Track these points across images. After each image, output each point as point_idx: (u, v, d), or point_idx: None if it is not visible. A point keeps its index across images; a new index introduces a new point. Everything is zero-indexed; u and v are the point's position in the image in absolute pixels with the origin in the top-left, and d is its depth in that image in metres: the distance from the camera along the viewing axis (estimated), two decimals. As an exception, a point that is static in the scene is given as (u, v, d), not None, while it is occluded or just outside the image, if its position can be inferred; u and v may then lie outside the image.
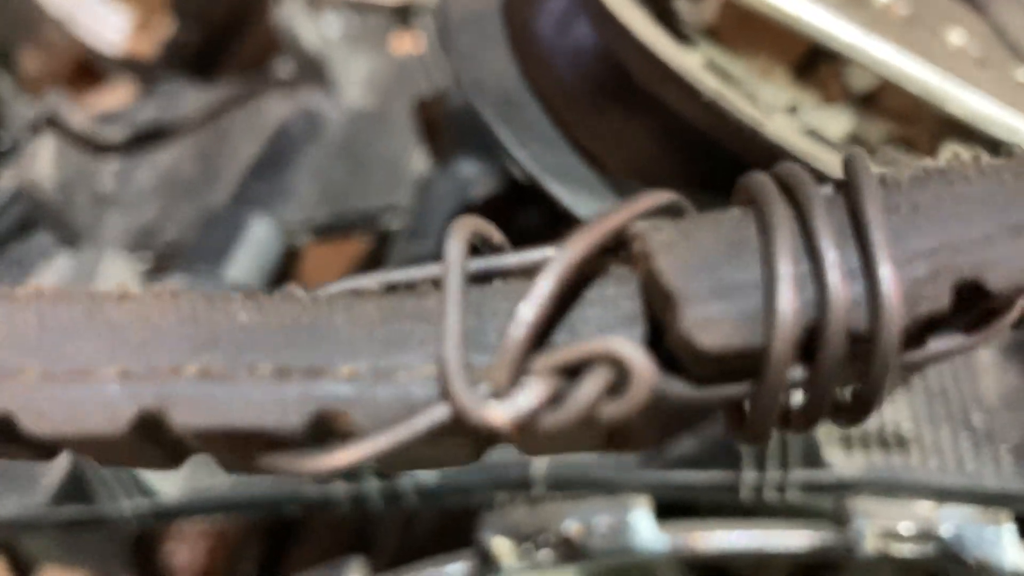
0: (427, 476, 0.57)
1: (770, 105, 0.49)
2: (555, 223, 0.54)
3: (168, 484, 0.61)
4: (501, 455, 0.57)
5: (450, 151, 0.76)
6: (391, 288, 0.20)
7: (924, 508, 0.52)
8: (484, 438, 0.19)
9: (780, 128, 0.44)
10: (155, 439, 0.20)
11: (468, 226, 0.19)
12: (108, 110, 1.08)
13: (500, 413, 0.17)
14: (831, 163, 0.44)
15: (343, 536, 0.74)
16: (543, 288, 0.18)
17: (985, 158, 0.21)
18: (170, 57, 1.36)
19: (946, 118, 0.51)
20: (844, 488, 0.53)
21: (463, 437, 0.19)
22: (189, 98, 1.01)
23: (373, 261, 0.86)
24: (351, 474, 0.57)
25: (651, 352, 0.18)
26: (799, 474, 0.53)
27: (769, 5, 0.46)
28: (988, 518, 0.52)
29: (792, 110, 0.51)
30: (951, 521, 0.52)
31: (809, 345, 0.18)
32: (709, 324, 0.18)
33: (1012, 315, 0.19)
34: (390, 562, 0.63)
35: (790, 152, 0.43)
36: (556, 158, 0.47)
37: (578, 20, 0.49)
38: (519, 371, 0.18)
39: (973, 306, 0.19)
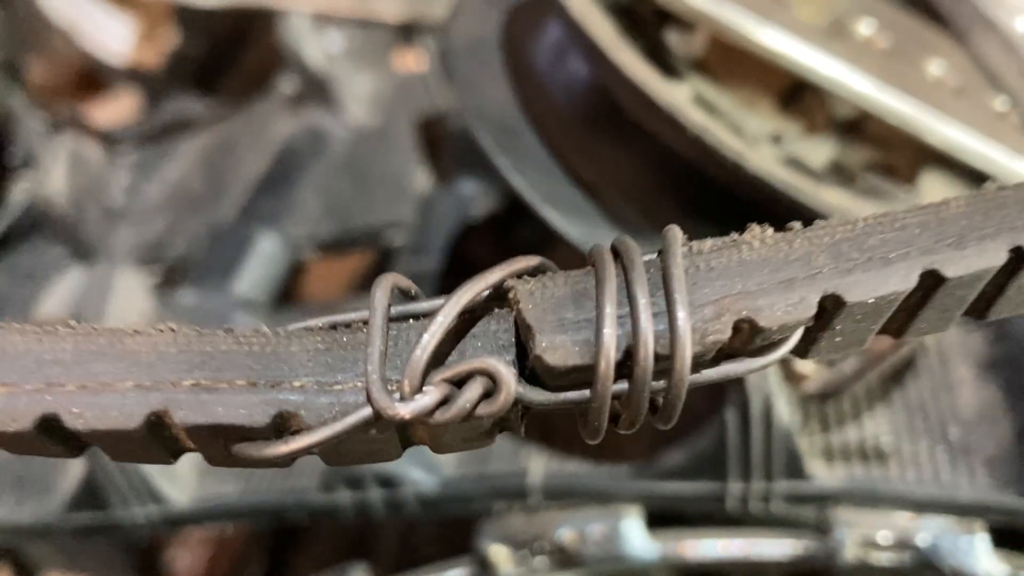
0: (428, 486, 0.60)
1: (755, 135, 0.52)
2: (550, 239, 0.56)
3: (178, 492, 0.64)
4: (499, 467, 0.60)
5: (451, 170, 0.79)
6: (333, 326, 0.27)
7: (902, 518, 0.55)
8: (401, 434, 0.26)
9: (763, 159, 0.46)
10: (160, 435, 0.26)
11: (390, 280, 0.26)
12: (114, 121, 1.11)
13: (405, 410, 0.24)
14: (810, 192, 0.47)
15: (345, 543, 0.76)
16: (438, 324, 0.24)
17: (769, 231, 0.26)
18: (174, 69, 1.39)
19: (925, 147, 0.53)
20: (826, 499, 0.55)
21: (384, 432, 0.25)
22: (196, 113, 1.03)
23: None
24: (356, 483, 0.60)
25: (519, 371, 0.25)
26: (783, 485, 0.55)
27: (754, 42, 0.48)
28: (963, 528, 0.54)
29: (776, 139, 0.54)
30: (928, 531, 0.54)
31: (628, 365, 0.24)
32: (555, 349, 0.24)
33: (788, 345, 0.26)
34: (391, 568, 0.65)
35: (771, 182, 0.45)
36: (550, 184, 0.50)
37: (571, 54, 0.51)
38: (421, 382, 0.24)
39: (754, 339, 0.25)
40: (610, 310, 0.24)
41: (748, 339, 0.25)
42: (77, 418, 0.25)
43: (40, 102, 1.20)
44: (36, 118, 1.06)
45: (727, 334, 0.24)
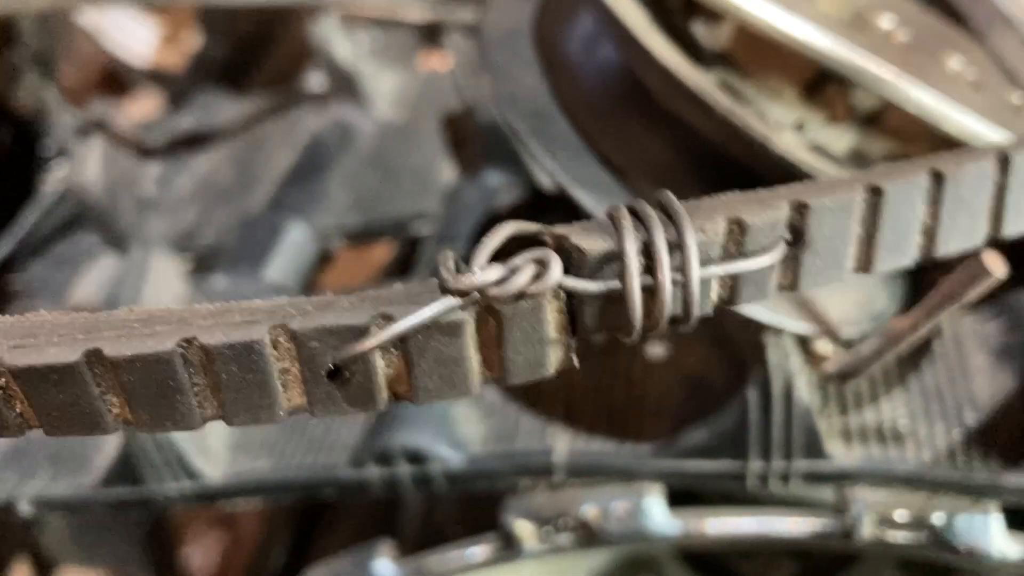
0: (456, 463, 0.61)
1: (779, 123, 0.53)
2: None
3: (212, 468, 0.65)
4: (524, 445, 0.61)
5: (477, 162, 0.81)
6: None
7: (918, 498, 0.56)
8: (475, 349, 0.29)
9: (787, 143, 0.48)
10: (277, 348, 0.29)
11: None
12: (138, 122, 1.13)
13: (469, 281, 0.27)
14: (832, 175, 0.49)
15: (369, 524, 0.78)
16: (498, 232, 0.29)
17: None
18: (197, 70, 1.41)
19: (942, 137, 0.55)
20: (844, 478, 0.57)
21: (457, 337, 0.28)
22: (224, 109, 1.06)
23: (401, 265, 0.90)
24: (385, 459, 0.61)
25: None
26: (802, 464, 0.57)
27: (780, 31, 0.50)
28: (978, 508, 0.55)
29: (799, 127, 0.56)
30: (943, 510, 0.55)
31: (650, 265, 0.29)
32: (589, 236, 0.29)
33: (775, 253, 0.31)
34: (415, 547, 0.67)
35: (796, 165, 0.47)
36: (582, 167, 0.51)
37: (603, 41, 0.53)
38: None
39: (744, 242, 0.30)
40: (627, 223, 0.29)
41: (739, 241, 0.29)
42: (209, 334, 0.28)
43: (71, 101, 1.22)
44: (69, 113, 1.09)
45: (721, 230, 0.29)
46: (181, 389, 0.29)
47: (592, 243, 0.29)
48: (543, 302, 0.28)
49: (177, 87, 1.35)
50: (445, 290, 0.28)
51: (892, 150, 0.58)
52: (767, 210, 0.29)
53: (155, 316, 0.30)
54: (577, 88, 0.54)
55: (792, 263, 0.31)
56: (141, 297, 0.71)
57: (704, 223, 0.29)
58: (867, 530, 0.56)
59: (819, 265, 0.31)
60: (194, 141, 1.01)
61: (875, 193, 0.31)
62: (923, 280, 0.65)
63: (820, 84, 0.57)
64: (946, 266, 0.67)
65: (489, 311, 0.28)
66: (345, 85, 0.96)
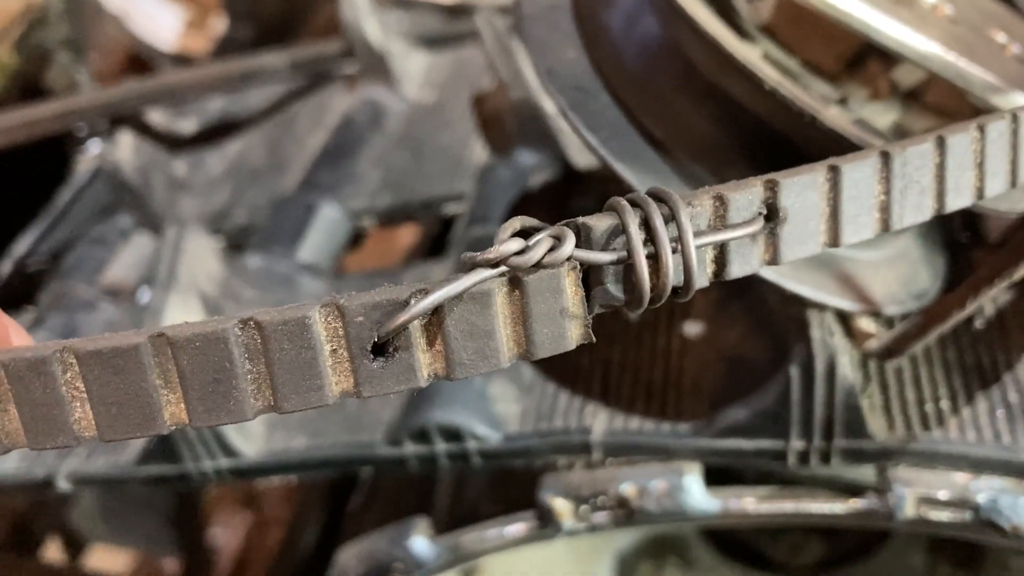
0: (492, 441, 0.61)
1: (823, 97, 0.53)
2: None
3: (249, 446, 0.66)
4: (561, 424, 0.61)
5: (510, 141, 0.80)
6: None
7: (961, 478, 0.56)
8: (503, 320, 0.31)
9: (835, 117, 0.48)
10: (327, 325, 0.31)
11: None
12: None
13: (493, 253, 0.30)
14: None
15: (403, 502, 0.78)
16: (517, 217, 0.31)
17: None
18: (222, 54, 1.42)
19: (986, 111, 0.54)
20: (886, 457, 0.56)
21: (487, 307, 0.31)
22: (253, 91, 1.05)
23: (430, 245, 0.90)
24: (421, 437, 0.61)
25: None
26: (843, 443, 0.56)
27: (824, 3, 0.50)
28: (1022, 488, 0.55)
29: (842, 102, 0.55)
30: (987, 490, 0.55)
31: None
32: (598, 219, 0.32)
33: (755, 225, 0.33)
34: (449, 525, 0.67)
35: (846, 138, 0.46)
36: (624, 143, 0.51)
37: (645, 14, 0.53)
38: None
39: (727, 214, 0.33)
40: (626, 205, 0.32)
41: (723, 216, 0.33)
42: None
43: (100, 84, 1.23)
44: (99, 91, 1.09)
45: (707, 205, 0.32)
46: (236, 374, 0.29)
47: (599, 221, 0.32)
48: (560, 272, 0.31)
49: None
50: (475, 265, 0.30)
51: (933, 126, 0.58)
52: (744, 188, 0.33)
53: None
54: (618, 62, 0.53)
55: (772, 237, 0.34)
56: (176, 276, 0.71)
57: (691, 200, 0.32)
58: (909, 510, 0.55)
59: (795, 238, 0.34)
60: (225, 123, 1.01)
61: (834, 171, 0.35)
62: (963, 259, 0.65)
63: (862, 59, 0.57)
64: (988, 245, 0.67)
65: (514, 283, 0.31)
66: (375, 65, 0.95)
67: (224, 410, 0.30)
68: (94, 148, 0.94)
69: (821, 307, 0.53)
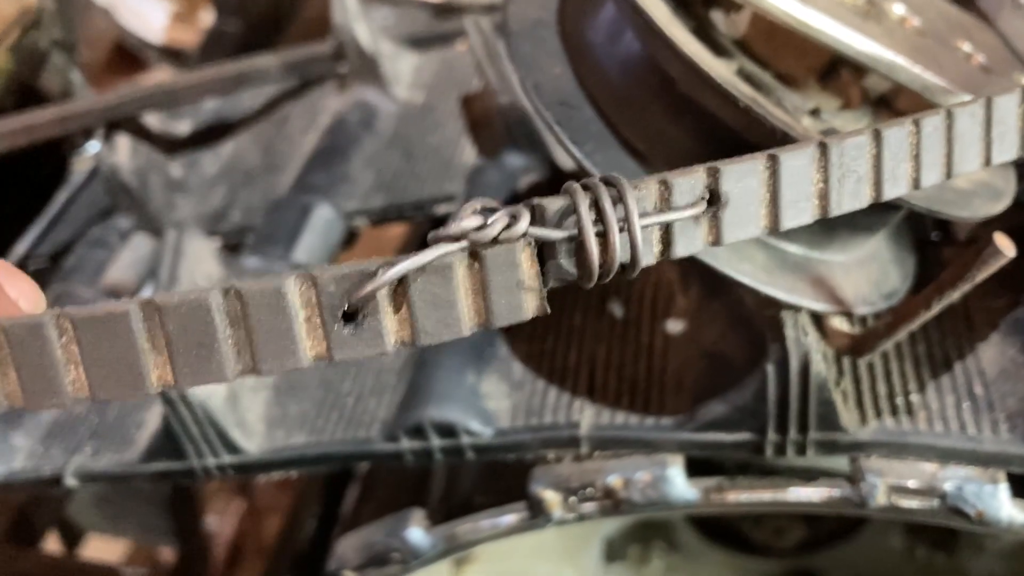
0: (484, 436, 0.64)
1: (796, 108, 0.55)
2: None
3: (250, 442, 0.68)
4: (551, 419, 0.64)
5: (498, 143, 0.83)
6: None
7: (929, 467, 0.59)
8: (464, 292, 0.34)
9: (807, 130, 0.50)
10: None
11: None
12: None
13: (454, 228, 0.32)
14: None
15: (398, 494, 0.81)
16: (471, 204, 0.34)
17: None
18: (210, 47, 1.43)
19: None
20: (858, 449, 0.59)
21: (446, 279, 0.33)
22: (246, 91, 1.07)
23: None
24: (417, 433, 0.64)
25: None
26: (818, 436, 0.59)
27: (796, 20, 0.52)
28: (987, 477, 0.58)
29: (815, 112, 0.58)
30: (954, 479, 0.58)
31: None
32: (551, 200, 0.34)
33: (697, 208, 0.36)
34: (443, 516, 0.70)
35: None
36: (607, 155, 0.54)
37: (626, 32, 0.55)
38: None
39: (672, 197, 0.36)
40: (578, 187, 0.34)
41: (667, 199, 0.36)
42: None
43: (86, 77, 1.24)
44: (94, 94, 1.11)
45: (653, 188, 0.35)
46: (218, 339, 0.32)
47: (552, 201, 0.34)
48: (516, 247, 0.33)
49: (189, 64, 1.37)
50: (438, 240, 0.33)
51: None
52: (687, 173, 0.36)
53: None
54: (602, 77, 0.55)
55: (714, 220, 0.37)
56: (177, 277, 0.73)
57: (638, 184, 0.35)
58: (880, 498, 0.58)
59: (736, 221, 0.37)
60: (219, 124, 1.03)
61: (773, 160, 0.37)
62: (934, 257, 0.68)
63: (833, 70, 0.59)
64: (957, 243, 0.70)
65: (473, 256, 0.33)
66: (366, 67, 0.97)
67: (207, 372, 0.33)
68: (91, 149, 0.96)
69: (795, 308, 0.56)
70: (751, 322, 0.60)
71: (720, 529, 1.01)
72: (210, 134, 1.01)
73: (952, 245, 0.70)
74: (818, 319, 0.58)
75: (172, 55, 1.82)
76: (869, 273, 0.59)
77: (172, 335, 0.32)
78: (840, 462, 0.61)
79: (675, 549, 1.03)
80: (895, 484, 0.59)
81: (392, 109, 0.97)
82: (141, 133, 0.96)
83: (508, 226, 0.33)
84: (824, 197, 0.39)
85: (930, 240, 0.70)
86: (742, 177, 0.37)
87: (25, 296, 0.35)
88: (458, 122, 0.92)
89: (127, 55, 1.86)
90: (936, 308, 0.52)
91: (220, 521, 1.46)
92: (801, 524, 1.00)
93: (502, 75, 0.81)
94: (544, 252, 0.35)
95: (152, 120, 0.99)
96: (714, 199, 0.37)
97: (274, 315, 0.33)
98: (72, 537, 1.23)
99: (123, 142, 0.91)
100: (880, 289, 0.59)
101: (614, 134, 0.54)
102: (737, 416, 0.59)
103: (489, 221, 0.33)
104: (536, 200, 0.35)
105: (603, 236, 0.34)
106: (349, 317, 0.33)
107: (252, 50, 1.26)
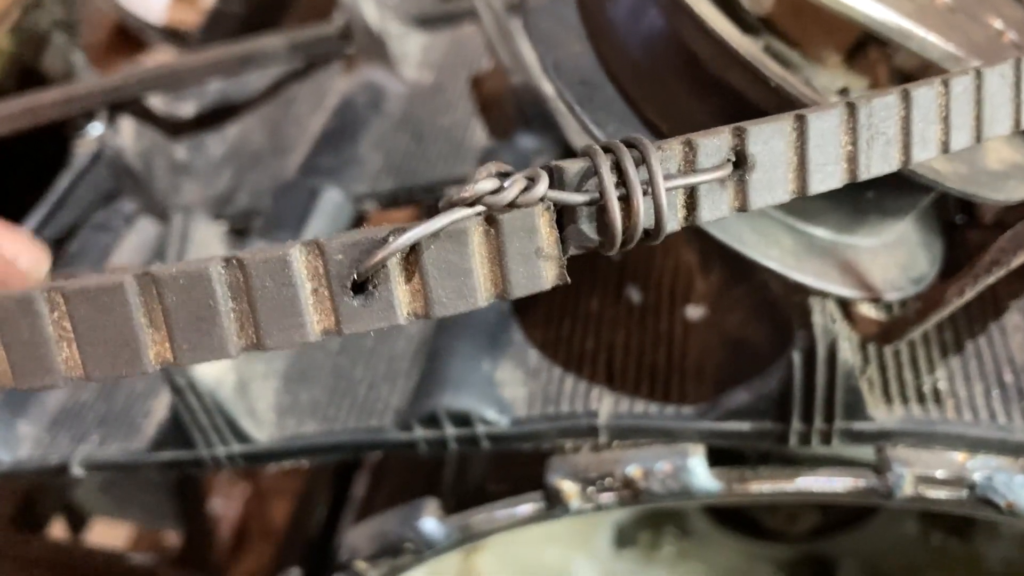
0: (500, 425, 0.62)
1: (825, 88, 0.54)
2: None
3: (260, 431, 0.67)
4: (568, 408, 0.62)
5: (510, 124, 0.81)
6: None
7: (958, 457, 0.57)
8: (479, 260, 0.32)
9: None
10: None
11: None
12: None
13: (469, 191, 0.31)
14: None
15: (411, 483, 0.80)
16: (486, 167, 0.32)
17: None
18: (212, 27, 1.41)
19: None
20: (885, 438, 0.58)
21: (463, 246, 0.31)
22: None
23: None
24: (431, 422, 0.63)
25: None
26: (843, 425, 0.58)
27: (825, -4, 0.50)
28: (1018, 466, 0.57)
29: (843, 92, 0.56)
30: (983, 469, 0.57)
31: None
32: (571, 162, 0.33)
33: (724, 170, 0.35)
34: (456, 505, 0.68)
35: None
36: (629, 135, 0.52)
37: (649, 8, 0.53)
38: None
39: (697, 159, 0.35)
40: (598, 148, 0.33)
41: (692, 160, 0.34)
42: None
43: (88, 58, 1.22)
44: (95, 76, 1.09)
45: (677, 149, 0.34)
46: (219, 312, 0.30)
47: (572, 163, 0.33)
48: (535, 212, 0.32)
49: (191, 45, 1.35)
50: (451, 204, 0.31)
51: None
52: (713, 134, 0.34)
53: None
54: (623, 55, 0.54)
55: (741, 184, 0.35)
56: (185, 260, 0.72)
57: (661, 145, 0.34)
58: (907, 488, 0.57)
59: (763, 185, 0.36)
60: (224, 106, 1.01)
61: (800, 121, 0.36)
62: (959, 241, 0.66)
63: (861, 48, 0.57)
64: (983, 226, 0.68)
65: (489, 222, 0.32)
66: (374, 47, 0.95)
67: (208, 348, 0.31)
68: (93, 132, 0.95)
69: (823, 294, 0.54)
70: (776, 308, 0.59)
71: (733, 515, 1.00)
72: (215, 116, 0.99)
73: (978, 228, 0.68)
74: (845, 305, 0.57)
75: (174, 36, 1.80)
76: (897, 258, 0.57)
77: (170, 309, 0.30)
78: (864, 452, 0.60)
79: (687, 535, 1.02)
80: (922, 474, 0.57)
81: (401, 90, 0.95)
82: (145, 115, 0.94)
83: (526, 189, 0.32)
84: (852, 160, 0.38)
85: (954, 223, 0.69)
86: (769, 138, 0.35)
87: (25, 252, 0.33)
88: (468, 103, 0.90)
89: (128, 36, 1.84)
90: (970, 294, 0.51)
91: (225, 504, 1.46)
92: (815, 510, 0.99)
93: (514, 54, 0.79)
94: (563, 217, 0.33)
95: (156, 102, 0.97)
96: (740, 161, 0.35)
97: (279, 286, 0.31)
98: (77, 521, 1.22)
99: (127, 124, 0.89)
100: (908, 274, 0.57)
101: (636, 114, 0.53)
102: (761, 405, 0.58)
103: (506, 184, 0.32)
104: (554, 162, 0.33)
105: (626, 199, 0.33)
106: (358, 288, 0.31)
107: (255, 31, 1.24)
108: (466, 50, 0.99)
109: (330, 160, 0.88)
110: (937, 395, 0.59)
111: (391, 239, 0.30)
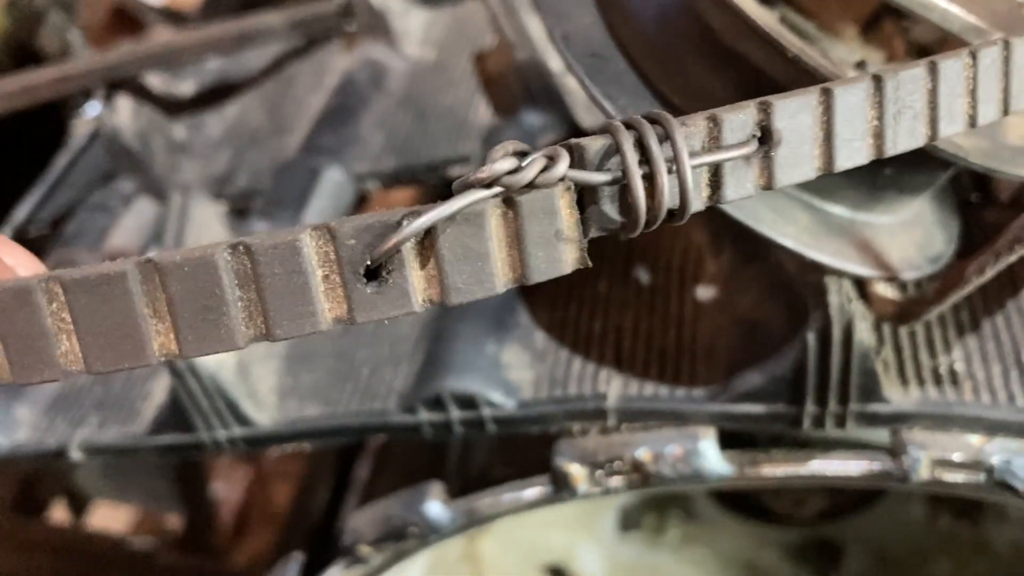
0: (506, 408, 0.61)
1: (842, 60, 0.52)
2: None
3: (261, 414, 0.66)
4: (576, 390, 0.61)
5: (514, 101, 0.79)
6: None
7: (975, 440, 0.56)
8: (498, 245, 0.31)
9: (856, 82, 0.47)
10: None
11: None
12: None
13: (486, 171, 0.29)
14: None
15: (414, 466, 0.79)
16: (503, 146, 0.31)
17: None
18: (212, 7, 1.39)
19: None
20: (901, 420, 0.56)
21: (479, 227, 0.30)
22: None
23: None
24: (436, 405, 0.62)
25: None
26: (859, 407, 0.56)
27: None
28: (1035, 449, 0.55)
29: (860, 65, 0.54)
30: (1001, 452, 0.55)
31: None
32: (592, 139, 0.31)
33: (749, 147, 0.34)
34: (460, 489, 0.67)
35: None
36: (641, 110, 0.50)
37: (662, -21, 0.52)
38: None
39: (722, 136, 0.34)
40: (620, 125, 0.32)
41: (716, 137, 0.33)
42: None
43: (89, 43, 1.21)
44: (93, 55, 1.07)
45: (701, 125, 0.32)
46: (226, 301, 0.29)
47: (593, 141, 0.31)
48: (554, 193, 0.31)
49: (190, 25, 1.33)
50: (468, 186, 0.30)
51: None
52: (738, 109, 0.33)
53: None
54: (635, 27, 0.52)
55: (766, 160, 0.34)
56: (183, 242, 0.70)
57: (685, 121, 0.32)
58: (923, 472, 0.56)
59: (789, 161, 0.34)
60: (223, 84, 0.99)
61: (826, 95, 0.34)
62: (974, 220, 0.65)
63: (878, 20, 0.56)
64: (999, 204, 0.67)
65: (507, 203, 0.30)
66: (375, 24, 0.94)
67: (215, 339, 0.30)
68: (91, 111, 0.93)
69: (840, 274, 0.53)
70: (790, 288, 0.57)
71: (739, 498, 0.99)
72: (214, 95, 0.98)
73: (994, 207, 0.67)
74: (860, 285, 0.55)
75: (173, 17, 1.78)
76: (914, 236, 0.56)
77: (175, 298, 0.29)
78: (879, 435, 0.59)
79: (692, 518, 1.01)
80: (939, 457, 0.56)
81: (402, 68, 0.93)
82: (143, 94, 0.92)
83: (545, 169, 0.30)
84: (879, 136, 0.37)
85: (969, 202, 0.67)
86: (796, 113, 0.34)
87: (23, 265, 0.32)
88: (471, 80, 0.88)
89: (127, 17, 1.82)
90: (991, 272, 0.49)
91: (227, 488, 1.45)
92: (822, 493, 0.98)
93: (520, 28, 0.77)
94: (584, 198, 0.32)
95: (154, 80, 0.95)
96: (766, 137, 0.34)
97: (288, 273, 0.29)
98: (78, 505, 1.22)
99: (124, 103, 0.87)
100: (925, 253, 0.56)
101: (649, 88, 0.51)
102: (774, 387, 0.57)
103: (524, 164, 0.30)
104: (575, 140, 0.32)
105: (649, 178, 0.31)
106: (372, 274, 0.30)
107: (255, 7, 1.23)
108: (469, 27, 0.98)
109: (331, 139, 0.86)
110: (954, 377, 0.58)
111: (405, 223, 0.29)
